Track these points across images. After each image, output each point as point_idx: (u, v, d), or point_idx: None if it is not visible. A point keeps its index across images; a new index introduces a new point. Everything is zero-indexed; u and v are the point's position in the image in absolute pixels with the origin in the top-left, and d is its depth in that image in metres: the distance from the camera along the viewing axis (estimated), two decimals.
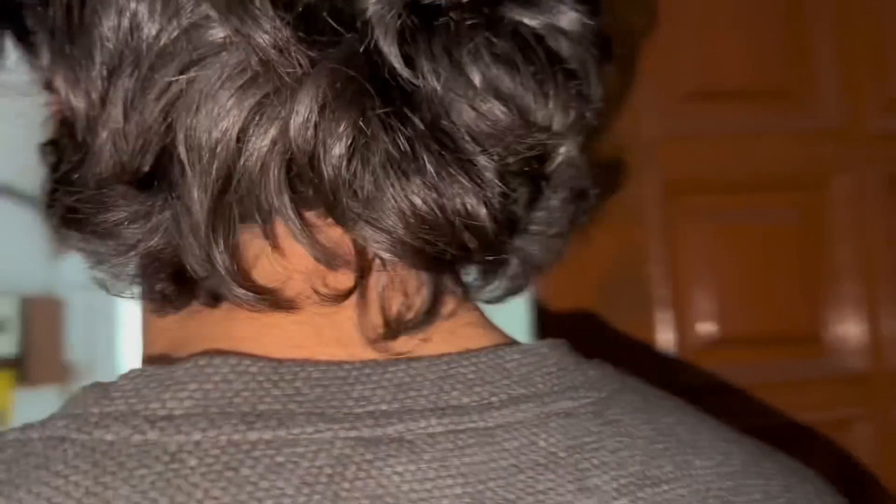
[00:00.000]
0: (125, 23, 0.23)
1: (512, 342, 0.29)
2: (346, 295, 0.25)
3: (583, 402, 0.27)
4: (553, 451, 0.25)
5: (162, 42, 0.23)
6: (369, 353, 0.26)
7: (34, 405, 3.46)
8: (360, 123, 0.23)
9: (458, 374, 0.26)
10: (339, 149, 0.23)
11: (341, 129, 0.22)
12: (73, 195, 0.26)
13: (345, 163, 0.23)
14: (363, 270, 0.25)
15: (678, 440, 0.28)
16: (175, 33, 0.23)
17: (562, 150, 0.27)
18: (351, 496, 0.22)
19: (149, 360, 0.28)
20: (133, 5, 0.23)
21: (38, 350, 3.93)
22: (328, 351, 0.26)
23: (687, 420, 0.30)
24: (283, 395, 0.24)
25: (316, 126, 0.22)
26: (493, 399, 0.26)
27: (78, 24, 0.24)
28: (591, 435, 0.26)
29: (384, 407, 0.24)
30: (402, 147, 0.23)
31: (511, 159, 0.25)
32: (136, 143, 0.24)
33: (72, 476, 0.22)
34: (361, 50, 0.23)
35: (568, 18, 0.26)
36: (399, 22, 0.23)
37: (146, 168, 0.24)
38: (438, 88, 0.24)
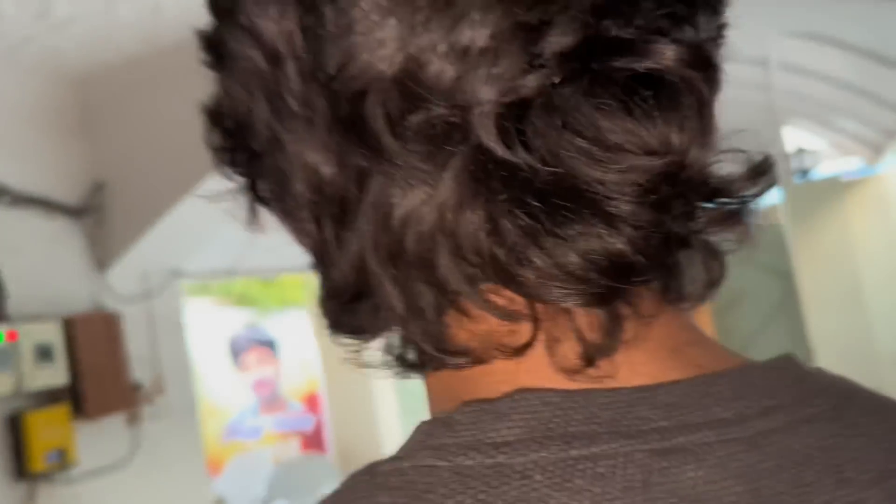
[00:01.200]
0: (311, 179, 0.30)
1: (741, 359, 0.33)
2: (530, 342, 0.30)
3: (823, 408, 0.32)
4: (808, 453, 0.30)
5: (338, 189, 0.30)
6: (580, 383, 0.30)
7: (100, 439, 2.95)
8: (488, 212, 0.28)
9: (716, 393, 0.30)
10: (481, 235, 0.28)
11: (476, 219, 0.28)
12: (330, 304, 0.33)
13: (490, 245, 0.28)
14: (537, 320, 0.30)
15: None
16: (342, 179, 0.30)
17: (690, 160, 0.28)
18: (661, 496, 0.27)
19: (436, 405, 0.34)
20: (311, 161, 0.30)
21: (95, 375, 3.46)
22: (560, 382, 0.30)
23: (889, 410, 0.34)
24: (584, 419, 0.29)
25: (456, 222, 0.28)
26: (749, 412, 0.30)
27: (281, 189, 0.32)
28: (837, 437, 0.31)
29: (664, 423, 0.29)
30: (525, 222, 0.28)
31: (647, 189, 0.28)
32: (346, 268, 0.31)
33: (457, 496, 0.28)
34: (477, 151, 0.27)
35: (668, 54, 0.28)
36: (493, 122, 0.27)
37: (355, 284, 0.31)
38: (550, 157, 0.27)
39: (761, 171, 0.31)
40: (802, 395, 0.32)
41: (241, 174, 0.34)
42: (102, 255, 2.95)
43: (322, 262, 0.32)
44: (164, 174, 2.85)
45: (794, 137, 5.54)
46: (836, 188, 5.77)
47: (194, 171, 2.70)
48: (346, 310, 0.32)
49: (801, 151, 5.66)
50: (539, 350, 0.30)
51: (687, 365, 0.31)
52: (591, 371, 0.30)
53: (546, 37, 0.27)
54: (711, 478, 0.28)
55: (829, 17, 3.11)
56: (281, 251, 3.89)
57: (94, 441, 2.76)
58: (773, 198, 6.17)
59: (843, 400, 0.32)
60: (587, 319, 0.30)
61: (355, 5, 0.28)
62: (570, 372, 0.30)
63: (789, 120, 5.13)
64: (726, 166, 0.30)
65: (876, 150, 5.34)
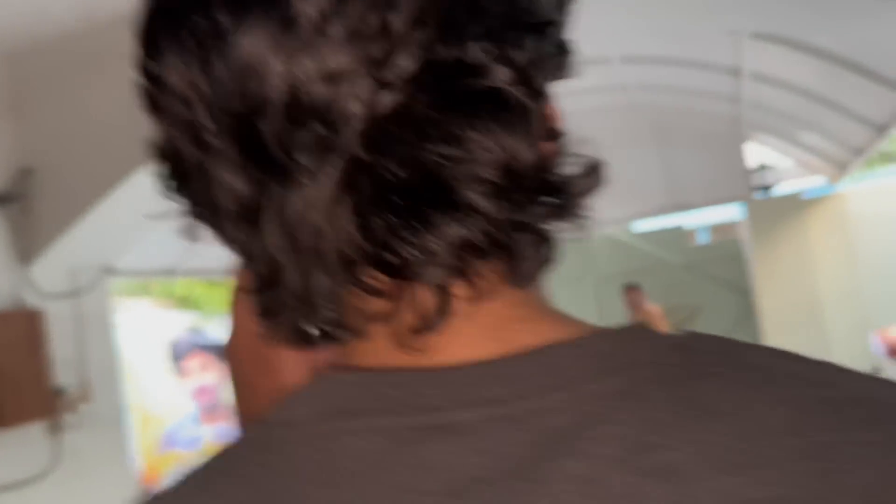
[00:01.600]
0: (230, 195, 0.36)
1: (571, 333, 0.37)
2: (379, 318, 0.36)
3: (613, 386, 0.34)
4: (568, 428, 0.33)
5: (251, 201, 0.35)
6: (416, 358, 0.36)
7: (16, 450, 2.75)
8: (357, 209, 0.33)
9: (500, 374, 0.35)
10: (352, 229, 0.34)
11: (347, 215, 0.34)
12: (255, 294, 0.39)
13: (359, 236, 0.34)
14: (391, 298, 0.36)
15: (699, 406, 0.33)
16: (252, 192, 0.35)
17: (520, 157, 0.34)
18: (401, 466, 0.34)
19: None
20: (228, 181, 0.35)
21: (13, 379, 3.14)
22: (395, 358, 0.37)
23: (729, 384, 0.34)
24: (368, 397, 0.36)
25: (334, 218, 0.34)
26: (528, 390, 0.34)
27: (211, 207, 0.37)
28: (610, 411, 0.33)
29: (436, 402, 0.35)
30: (388, 216, 0.33)
31: (489, 182, 0.33)
32: (262, 263, 0.36)
33: (226, 464, 0.38)
34: (348, 159, 0.33)
35: (501, 75, 0.34)
36: (359, 134, 0.33)
37: (269, 275, 0.37)
38: (407, 161, 0.33)
39: (591, 173, 0.37)
40: (595, 373, 0.35)
41: (183, 196, 0.39)
42: (26, 247, 2.77)
43: (248, 260, 0.38)
44: (97, 161, 2.70)
45: (757, 153, 5.52)
46: (797, 205, 5.78)
47: (130, 160, 2.55)
48: (266, 297, 0.37)
49: (763, 168, 5.65)
50: (391, 327, 0.36)
51: (504, 343, 0.36)
52: (419, 346, 0.36)
53: (391, 65, 0.33)
54: (458, 451, 0.33)
55: (797, 20, 3.03)
56: (226, 251, 3.69)
57: (9, 452, 2.58)
58: (733, 214, 6.14)
59: (648, 373, 0.35)
60: (426, 298, 0.35)
61: (241, 52, 0.33)
62: (401, 346, 0.36)
63: (754, 135, 5.08)
64: (568, 168, 0.36)
65: (841, 168, 5.32)
